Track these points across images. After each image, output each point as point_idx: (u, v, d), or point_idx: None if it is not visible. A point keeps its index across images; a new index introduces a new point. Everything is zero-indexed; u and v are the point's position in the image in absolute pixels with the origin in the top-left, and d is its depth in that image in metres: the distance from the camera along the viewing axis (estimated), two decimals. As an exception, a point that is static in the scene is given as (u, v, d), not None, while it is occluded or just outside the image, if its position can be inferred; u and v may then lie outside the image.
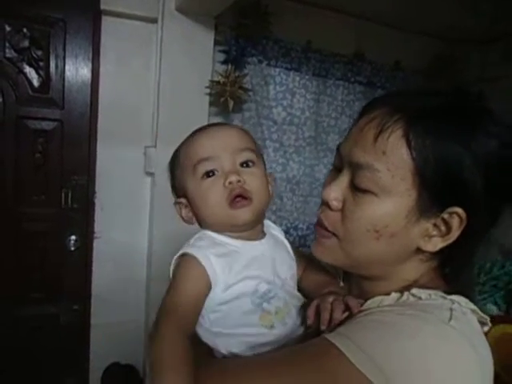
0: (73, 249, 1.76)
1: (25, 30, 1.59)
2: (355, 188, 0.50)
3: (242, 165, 0.60)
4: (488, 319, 0.48)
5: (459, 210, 0.46)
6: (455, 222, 0.47)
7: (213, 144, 0.60)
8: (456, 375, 0.41)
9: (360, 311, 0.50)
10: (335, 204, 0.52)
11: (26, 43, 1.60)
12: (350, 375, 0.41)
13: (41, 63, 1.63)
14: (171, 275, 0.58)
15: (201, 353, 0.54)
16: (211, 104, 1.81)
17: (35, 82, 1.64)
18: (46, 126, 1.68)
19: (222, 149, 0.59)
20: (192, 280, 0.55)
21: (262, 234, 0.64)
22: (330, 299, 0.53)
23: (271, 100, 2.00)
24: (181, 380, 0.44)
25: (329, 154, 2.23)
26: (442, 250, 0.49)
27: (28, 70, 1.62)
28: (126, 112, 1.74)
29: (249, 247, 0.60)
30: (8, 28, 1.57)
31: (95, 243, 1.80)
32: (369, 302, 0.52)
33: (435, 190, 0.46)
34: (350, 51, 2.14)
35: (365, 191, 0.49)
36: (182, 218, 0.65)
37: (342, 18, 2.07)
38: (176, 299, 0.53)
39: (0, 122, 1.60)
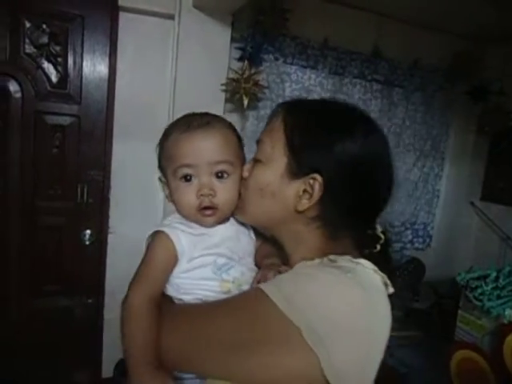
0: (88, 243, 1.78)
1: (44, 26, 1.61)
2: (254, 160, 0.68)
3: (217, 174, 0.68)
4: (389, 283, 0.59)
5: (318, 177, 0.59)
6: (316, 186, 0.60)
7: (194, 153, 0.67)
8: (346, 309, 0.52)
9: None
10: (245, 174, 0.69)
11: (45, 39, 1.62)
12: (270, 311, 0.52)
13: (59, 59, 1.65)
14: (144, 249, 0.68)
15: (166, 301, 0.67)
16: (227, 101, 1.81)
17: (53, 78, 1.66)
18: (64, 121, 1.70)
19: (201, 158, 0.67)
20: (161, 253, 0.66)
21: (226, 219, 0.73)
22: (267, 271, 0.65)
23: (287, 98, 1.98)
24: (141, 332, 0.59)
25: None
26: (320, 216, 0.62)
27: (47, 65, 1.64)
28: (141, 108, 1.75)
29: (213, 230, 0.70)
30: (28, 24, 1.59)
31: (109, 238, 1.82)
32: (297, 265, 0.63)
33: (299, 158, 0.61)
34: (367, 49, 2.11)
35: (256, 161, 0.66)
36: (164, 193, 0.75)
37: (361, 14, 2.04)
38: (146, 270, 0.65)
39: (19, 116, 1.62)
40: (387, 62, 2.18)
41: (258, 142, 0.68)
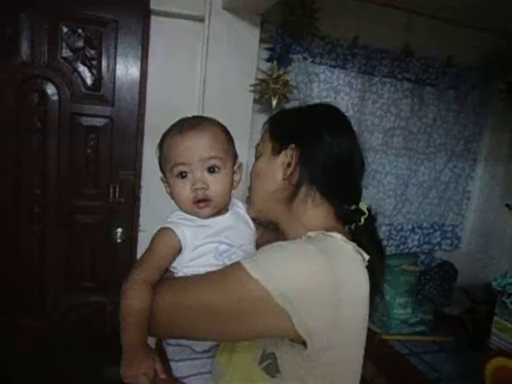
0: (119, 241, 1.83)
1: (80, 30, 1.67)
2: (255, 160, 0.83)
3: (209, 169, 0.76)
4: (362, 251, 0.67)
5: (293, 146, 0.74)
6: (293, 153, 0.74)
7: (187, 152, 0.75)
8: (308, 273, 0.60)
9: None
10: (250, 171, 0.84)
11: (81, 43, 1.68)
12: (244, 278, 0.61)
13: (93, 62, 1.71)
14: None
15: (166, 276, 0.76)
16: (255, 101, 1.81)
17: (88, 81, 1.71)
18: (97, 122, 1.75)
19: (194, 155, 0.75)
20: (162, 244, 0.74)
21: (225, 211, 0.82)
22: None
23: (315, 98, 1.97)
24: (135, 310, 0.68)
25: (372, 154, 2.17)
26: (301, 180, 0.74)
27: (82, 68, 1.70)
28: (171, 109, 1.76)
29: (213, 221, 0.79)
30: (65, 29, 1.65)
31: (140, 236, 1.86)
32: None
33: (278, 139, 0.77)
34: (398, 47, 2.06)
35: (256, 158, 0.82)
36: (167, 191, 0.83)
37: (391, 12, 2.00)
38: (147, 257, 0.74)
39: (56, 118, 1.69)
40: (418, 60, 2.13)
41: (256, 147, 0.84)
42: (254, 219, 0.86)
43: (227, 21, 1.70)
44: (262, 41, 1.79)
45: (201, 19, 1.74)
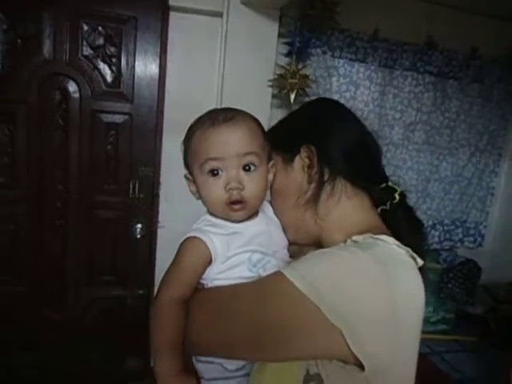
0: (139, 236, 1.85)
1: (100, 28, 1.69)
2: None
3: (244, 167, 0.68)
4: (416, 255, 0.59)
5: (305, 147, 0.68)
6: (309, 153, 0.68)
7: (221, 147, 0.67)
8: (364, 286, 0.52)
9: None
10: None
11: (101, 41, 1.69)
12: (289, 292, 0.54)
13: (113, 59, 1.73)
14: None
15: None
16: (274, 96, 1.80)
17: (108, 78, 1.73)
18: (117, 119, 1.77)
19: (228, 150, 0.67)
20: (191, 256, 0.67)
21: (255, 214, 0.74)
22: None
23: (334, 92, 1.94)
24: (167, 332, 0.62)
25: (392, 149, 2.13)
26: (330, 176, 0.67)
27: (102, 66, 1.72)
28: (190, 105, 1.77)
29: (244, 227, 0.71)
30: (86, 27, 1.67)
31: (159, 232, 1.88)
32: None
33: (284, 147, 0.72)
34: (420, 39, 2.01)
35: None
36: (190, 191, 0.75)
37: (413, 3, 1.95)
38: (175, 272, 0.67)
39: (77, 115, 1.72)
40: (441, 52, 2.07)
41: None
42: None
43: (245, 16, 1.69)
44: (280, 35, 1.77)
45: (219, 14, 1.73)
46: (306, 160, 0.68)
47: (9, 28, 1.60)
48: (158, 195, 1.85)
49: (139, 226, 1.85)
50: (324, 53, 1.87)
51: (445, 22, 2.00)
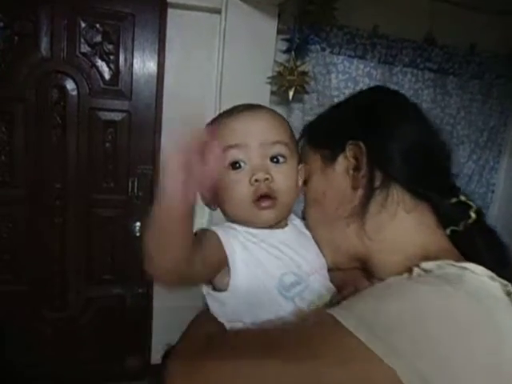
0: (138, 234, 1.85)
1: (98, 25, 1.68)
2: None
3: (271, 159, 0.56)
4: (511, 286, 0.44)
5: (351, 143, 0.54)
6: (357, 150, 0.53)
7: (243, 130, 0.55)
8: (455, 332, 0.38)
9: None
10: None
11: (99, 38, 1.68)
12: (347, 343, 0.39)
13: (111, 57, 1.72)
14: None
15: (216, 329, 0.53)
16: (272, 93, 1.79)
17: (106, 75, 1.72)
18: (116, 116, 1.76)
19: (253, 137, 0.55)
20: (207, 240, 0.52)
21: (284, 223, 0.60)
22: (351, 289, 0.52)
23: (333, 89, 1.93)
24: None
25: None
26: (383, 182, 0.52)
27: (100, 63, 1.71)
28: (189, 103, 1.77)
29: (271, 234, 0.56)
30: (83, 24, 1.66)
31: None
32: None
33: (327, 142, 0.58)
34: (420, 35, 2.00)
35: (304, 186, 0.63)
36: (202, 200, 0.58)
37: (412, -1, 1.94)
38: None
39: (75, 113, 1.71)
40: (441, 49, 2.06)
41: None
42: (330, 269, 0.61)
43: (244, 12, 1.67)
44: (279, 32, 1.76)
45: (217, 11, 1.72)
46: (352, 160, 0.54)
47: (6, 25, 1.59)
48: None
49: (138, 224, 1.84)
50: (323, 49, 1.86)
51: (444, 18, 1.99)
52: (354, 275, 0.58)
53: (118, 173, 1.79)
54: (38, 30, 1.62)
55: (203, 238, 0.52)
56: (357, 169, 0.53)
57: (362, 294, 0.46)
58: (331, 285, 0.58)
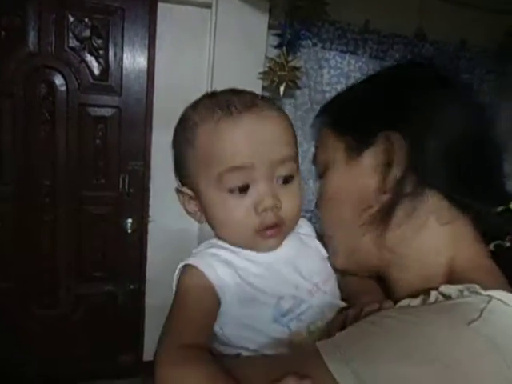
0: (129, 231, 1.83)
1: (86, 19, 1.65)
2: (318, 184, 0.55)
3: (281, 179, 0.48)
4: None
5: (389, 134, 0.44)
6: (392, 144, 0.44)
7: (248, 144, 0.45)
8: None
9: None
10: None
11: (88, 32, 1.66)
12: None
13: (100, 52, 1.69)
14: (174, 288, 0.49)
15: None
16: (264, 89, 1.78)
17: (96, 70, 1.70)
18: (106, 112, 1.74)
19: (260, 155, 0.46)
20: (193, 293, 0.47)
21: None
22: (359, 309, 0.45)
23: (325, 85, 1.93)
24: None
25: (384, 141, 2.14)
26: (418, 189, 0.44)
27: (89, 58, 1.68)
28: (180, 98, 1.74)
29: (265, 254, 0.50)
30: (71, 18, 1.63)
31: (150, 227, 1.86)
32: (397, 306, 0.43)
33: (353, 130, 0.47)
34: (410, 31, 2.01)
35: (320, 176, 0.53)
36: (186, 210, 0.53)
37: (403, -5, 1.95)
38: (178, 317, 0.46)
39: (64, 109, 1.68)
40: (431, 44, 2.07)
41: (314, 162, 0.54)
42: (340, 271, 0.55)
43: (235, 6, 1.66)
44: (270, 27, 1.75)
45: (208, 5, 1.70)
46: (383, 156, 0.44)
47: (-8, 19, 1.56)
48: (148, 189, 1.83)
49: (130, 220, 1.83)
50: (314, 45, 1.86)
51: (434, 14, 2.00)
52: (369, 285, 0.52)
53: (109, 169, 1.78)
54: (26, 25, 1.59)
55: (191, 302, 0.46)
56: (387, 166, 0.44)
57: (353, 329, 0.39)
58: (337, 300, 0.52)
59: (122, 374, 1.93)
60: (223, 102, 0.48)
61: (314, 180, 0.56)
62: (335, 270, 0.54)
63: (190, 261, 0.48)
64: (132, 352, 1.95)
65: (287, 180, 0.48)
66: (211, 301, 0.46)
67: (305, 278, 0.50)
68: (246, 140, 0.46)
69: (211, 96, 0.52)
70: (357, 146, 0.47)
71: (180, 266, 0.49)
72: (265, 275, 0.48)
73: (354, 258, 0.50)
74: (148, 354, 1.94)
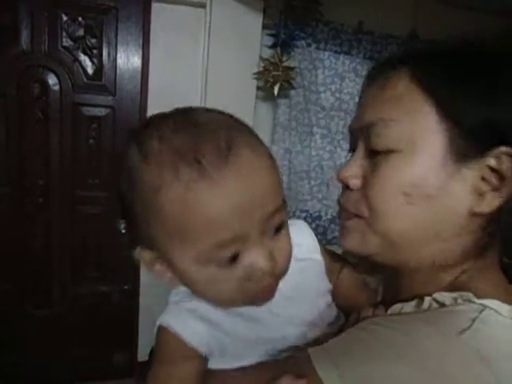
0: (123, 231, 1.83)
1: (80, 18, 1.64)
2: (373, 154, 0.42)
3: (273, 230, 0.41)
4: None
5: (509, 149, 0.36)
6: (507, 165, 0.36)
7: (238, 213, 0.35)
8: None
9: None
10: (353, 182, 0.43)
11: (81, 32, 1.65)
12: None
13: (94, 51, 1.68)
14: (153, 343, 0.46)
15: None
16: (259, 89, 1.79)
17: (89, 70, 1.69)
18: (99, 112, 1.73)
19: (252, 219, 0.36)
20: (175, 361, 0.43)
21: None
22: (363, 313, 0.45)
23: (319, 85, 1.94)
24: None
25: (378, 141, 2.14)
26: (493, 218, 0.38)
27: (83, 58, 1.67)
28: (174, 98, 1.74)
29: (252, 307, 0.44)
30: (65, 17, 1.62)
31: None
32: (388, 311, 0.42)
33: (469, 127, 0.37)
34: (405, 32, 2.02)
35: (384, 152, 0.41)
36: (160, 277, 0.43)
37: (397, -4, 1.96)
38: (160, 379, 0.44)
39: (58, 108, 1.67)
40: (426, 44, 2.08)
41: (370, 125, 0.42)
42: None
43: (229, 6, 1.66)
44: (264, 27, 1.75)
45: (202, 5, 1.70)
46: (491, 179, 0.37)
47: (-16, 18, 1.55)
48: (142, 189, 1.82)
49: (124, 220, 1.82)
50: (309, 45, 1.86)
51: (428, 15, 2.01)
52: (360, 300, 0.50)
53: (103, 169, 1.77)
54: (18, 23, 1.58)
55: (168, 359, 0.44)
56: (491, 191, 0.37)
57: (350, 332, 0.39)
58: (335, 315, 0.50)
59: (116, 374, 1.93)
60: (188, 153, 0.35)
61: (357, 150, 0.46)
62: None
63: (165, 319, 0.44)
64: (126, 352, 1.95)
65: (279, 228, 0.40)
66: (192, 365, 0.43)
67: (301, 318, 0.46)
68: (231, 207, 0.35)
69: (162, 137, 0.37)
70: (465, 151, 0.37)
71: (157, 324, 0.45)
72: (249, 327, 0.44)
73: (391, 250, 0.43)
74: (142, 355, 1.93)
